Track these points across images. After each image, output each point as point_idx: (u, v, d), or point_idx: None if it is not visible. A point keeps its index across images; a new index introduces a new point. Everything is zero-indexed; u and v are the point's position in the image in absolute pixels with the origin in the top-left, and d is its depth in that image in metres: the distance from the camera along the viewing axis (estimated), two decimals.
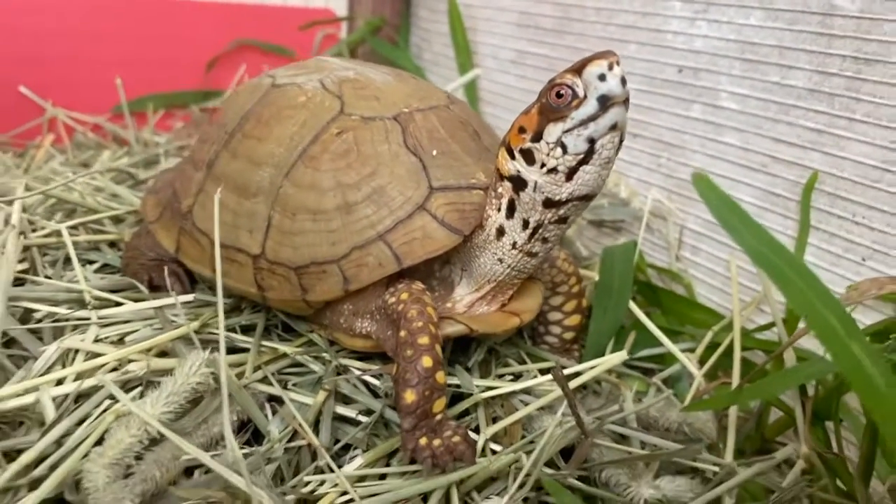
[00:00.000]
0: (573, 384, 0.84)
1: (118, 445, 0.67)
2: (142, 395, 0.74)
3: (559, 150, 0.72)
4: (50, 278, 0.93)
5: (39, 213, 1.10)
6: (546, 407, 0.85)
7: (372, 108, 0.85)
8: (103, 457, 0.66)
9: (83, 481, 0.66)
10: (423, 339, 0.74)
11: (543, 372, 0.92)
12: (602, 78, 0.69)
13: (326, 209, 0.80)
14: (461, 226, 0.80)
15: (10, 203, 0.99)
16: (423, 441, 0.73)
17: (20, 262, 0.94)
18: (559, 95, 0.70)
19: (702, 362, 0.98)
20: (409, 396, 0.73)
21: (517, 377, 0.92)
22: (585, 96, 0.70)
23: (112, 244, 1.07)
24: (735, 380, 0.92)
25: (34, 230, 1.01)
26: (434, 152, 0.83)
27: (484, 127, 0.93)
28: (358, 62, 1.00)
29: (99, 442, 0.69)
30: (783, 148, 1.03)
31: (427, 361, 0.73)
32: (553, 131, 0.72)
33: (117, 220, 1.13)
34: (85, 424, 0.72)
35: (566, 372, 0.83)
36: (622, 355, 0.87)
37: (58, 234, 1.00)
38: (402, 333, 0.75)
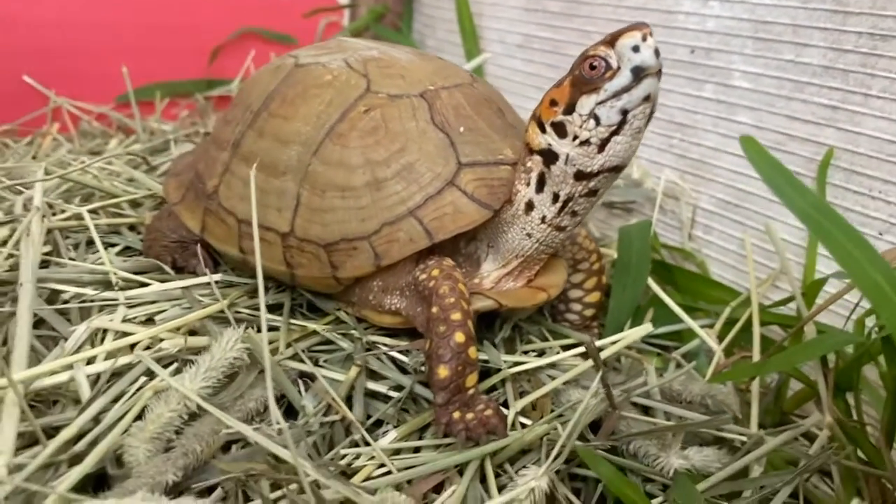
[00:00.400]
0: (605, 354, 0.85)
1: (158, 420, 0.67)
2: (177, 372, 0.74)
3: (592, 121, 0.73)
4: (74, 260, 0.93)
5: (56, 198, 1.10)
6: (571, 381, 0.87)
7: (398, 85, 0.85)
8: (144, 431, 0.66)
9: (124, 456, 0.66)
10: (456, 315, 0.75)
11: (566, 348, 0.93)
12: (636, 49, 0.69)
13: (356, 186, 0.81)
14: (491, 201, 0.80)
15: (29, 187, 0.98)
16: (456, 415, 0.74)
17: (43, 244, 0.94)
18: (592, 67, 0.71)
19: (720, 338, 0.99)
20: (443, 372, 0.74)
21: (541, 353, 0.93)
22: (619, 68, 0.71)
23: (132, 227, 1.07)
24: (755, 354, 0.94)
25: (54, 214, 1.01)
26: (461, 129, 0.83)
27: (507, 105, 0.93)
28: (379, 42, 1.00)
29: (138, 418, 0.70)
30: (798, 125, 1.04)
31: (460, 337, 0.74)
32: (586, 103, 0.73)
33: (135, 203, 1.13)
34: (121, 402, 0.72)
35: (598, 343, 0.84)
36: (647, 327, 0.88)
37: (78, 217, 1.00)
38: (435, 310, 0.76)
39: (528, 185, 0.81)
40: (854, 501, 0.62)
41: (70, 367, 0.74)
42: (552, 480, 0.73)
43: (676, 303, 1.02)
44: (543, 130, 0.78)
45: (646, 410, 0.87)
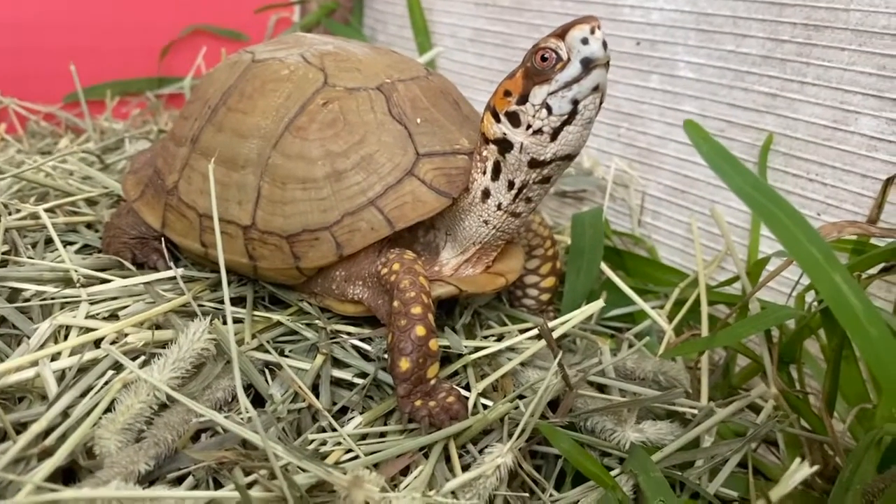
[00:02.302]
0: (556, 334, 0.88)
1: (128, 411, 0.68)
2: (144, 365, 0.75)
3: (544, 111, 0.76)
4: (33, 259, 0.93)
5: (9, 197, 1.09)
6: (527, 363, 0.90)
7: (355, 79, 0.87)
8: (114, 422, 0.67)
9: (95, 447, 0.67)
10: (416, 309, 0.77)
11: (524, 332, 0.96)
12: (585, 41, 0.72)
13: (316, 178, 0.83)
14: (449, 189, 0.83)
15: None
16: (418, 403, 0.77)
17: (0, 244, 0.93)
18: (544, 59, 0.74)
19: (670, 318, 1.03)
20: (404, 364, 0.76)
21: (500, 338, 0.96)
22: (569, 59, 0.73)
23: (89, 225, 1.07)
24: (704, 331, 0.98)
25: (10, 213, 1.01)
26: (418, 120, 0.85)
27: (461, 97, 0.96)
28: (334, 37, 1.02)
29: (107, 410, 0.70)
30: (739, 113, 1.09)
31: (420, 330, 0.76)
32: (538, 93, 0.75)
33: (92, 202, 1.13)
34: (89, 396, 0.72)
35: (550, 324, 0.88)
36: (600, 303, 0.92)
37: (35, 216, 1.00)
38: (396, 304, 0.78)
39: (483, 173, 0.84)
40: (796, 461, 0.66)
41: (35, 363, 0.74)
42: (516, 457, 0.76)
43: (628, 286, 1.06)
44: (498, 120, 0.80)
45: (601, 388, 0.91)
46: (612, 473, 0.79)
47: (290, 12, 1.94)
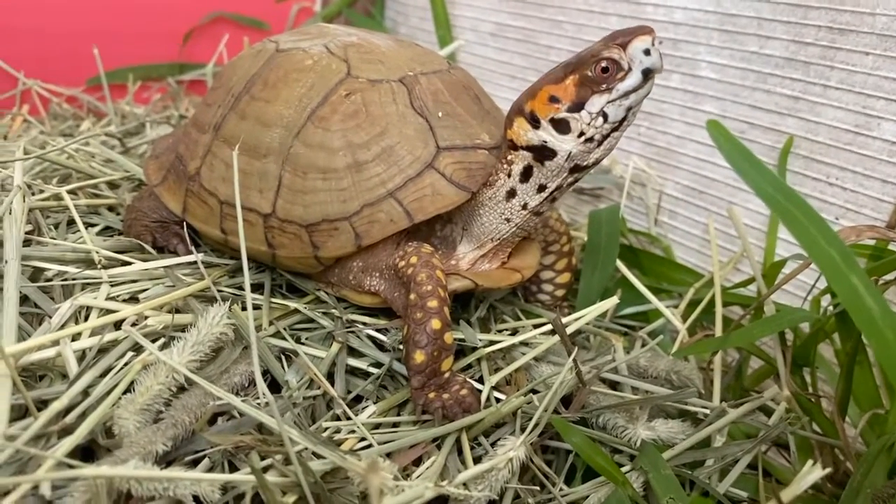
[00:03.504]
0: (570, 329, 0.89)
1: (147, 392, 0.69)
2: (163, 348, 0.76)
3: (600, 119, 0.77)
4: (55, 240, 0.94)
5: (33, 179, 1.10)
6: (541, 359, 0.90)
7: (378, 71, 0.88)
8: (134, 403, 0.68)
9: (114, 427, 0.68)
10: (433, 303, 0.78)
11: (538, 327, 0.96)
12: (647, 53, 0.74)
13: (337, 168, 0.83)
14: (469, 183, 0.83)
15: (6, 167, 0.99)
16: (431, 395, 0.77)
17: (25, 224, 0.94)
18: (605, 70, 0.75)
19: (684, 318, 1.03)
20: (419, 357, 0.77)
21: (514, 332, 0.96)
22: (630, 69, 0.75)
23: (111, 208, 1.08)
24: (718, 331, 0.98)
25: (33, 194, 1.02)
26: (440, 114, 0.86)
27: (482, 92, 0.96)
28: (357, 28, 1.02)
29: (127, 391, 0.71)
30: (760, 115, 1.09)
31: (436, 324, 0.77)
32: (597, 102, 0.77)
33: (113, 185, 1.14)
34: (109, 376, 0.73)
35: (564, 320, 0.88)
36: (614, 300, 0.92)
37: (58, 197, 1.01)
38: (412, 297, 0.79)
39: (509, 175, 0.84)
40: (808, 463, 0.66)
41: (57, 342, 0.75)
42: (528, 451, 0.77)
43: (643, 285, 1.07)
44: (537, 126, 0.80)
45: (614, 385, 0.91)
46: (623, 470, 0.79)
47: (312, 2, 1.94)
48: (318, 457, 0.69)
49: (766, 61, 1.07)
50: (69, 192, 1.02)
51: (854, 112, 0.97)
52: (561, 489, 0.80)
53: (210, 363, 0.77)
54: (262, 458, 0.69)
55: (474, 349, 0.88)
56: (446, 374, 0.79)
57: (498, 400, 0.84)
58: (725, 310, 1.02)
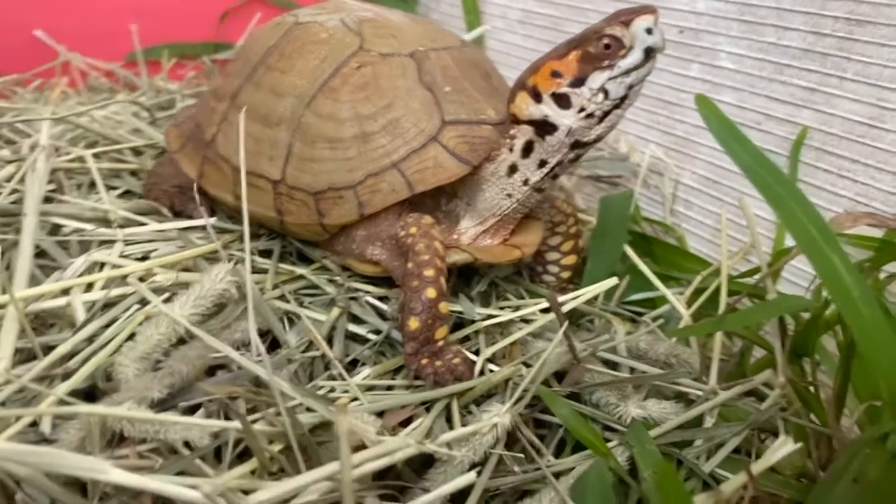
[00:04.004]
0: (567, 308, 0.90)
1: (148, 341, 0.72)
2: (168, 301, 0.79)
3: (601, 95, 0.79)
4: (76, 199, 0.98)
5: (63, 143, 1.14)
6: (538, 335, 0.91)
7: (390, 45, 0.90)
8: (134, 351, 0.71)
9: (114, 373, 0.71)
10: (429, 272, 0.80)
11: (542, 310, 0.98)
12: (649, 31, 0.76)
13: (344, 138, 0.85)
14: (470, 157, 0.85)
15: (37, 130, 1.03)
16: (424, 361, 0.79)
17: (48, 183, 0.98)
18: (607, 46, 0.76)
19: (690, 305, 1.03)
20: (413, 324, 0.79)
21: (515, 310, 0.98)
22: (632, 47, 0.76)
23: (133, 173, 1.12)
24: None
25: (59, 156, 1.06)
26: (447, 89, 0.88)
27: (493, 69, 0.98)
28: (374, 5, 1.04)
29: (129, 341, 0.74)
30: (776, 106, 1.08)
31: (431, 293, 0.79)
32: (598, 78, 0.78)
33: (137, 152, 1.18)
34: (113, 326, 0.77)
35: (561, 299, 0.89)
36: (612, 281, 0.93)
37: (82, 159, 1.05)
38: (410, 265, 0.81)
39: (511, 150, 0.86)
40: (781, 437, 0.66)
41: (68, 292, 0.79)
42: (515, 421, 0.78)
43: (651, 272, 1.07)
44: (539, 100, 0.82)
45: (614, 367, 0.92)
46: (610, 445, 0.80)
47: None
48: (311, 412, 0.71)
49: (783, 52, 1.06)
50: (93, 155, 1.06)
51: (869, 104, 0.96)
52: (549, 461, 0.81)
53: (212, 318, 0.80)
54: (255, 411, 0.72)
55: (472, 322, 0.89)
56: (440, 343, 0.81)
57: (492, 371, 0.85)
58: (735, 300, 1.02)
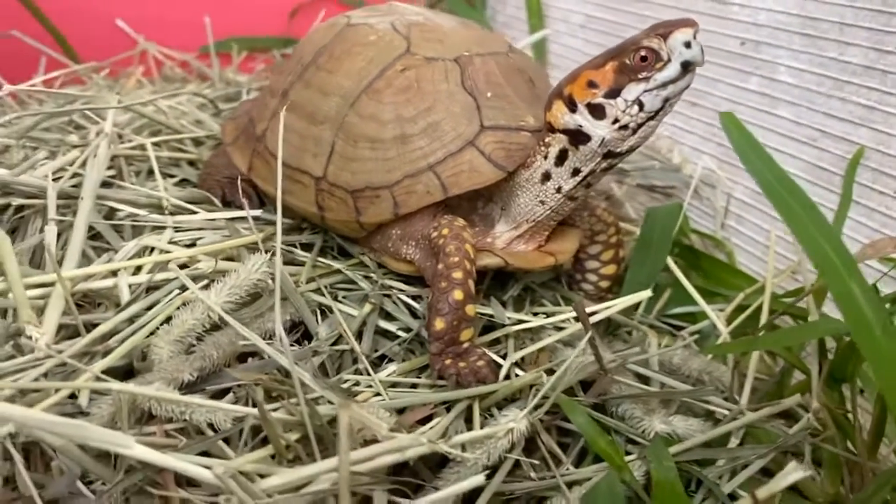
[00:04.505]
0: (594, 319, 0.89)
1: (183, 325, 0.75)
2: (206, 288, 0.83)
3: (636, 107, 0.79)
4: (134, 185, 1.02)
5: (128, 131, 1.20)
6: (570, 343, 0.91)
7: (435, 49, 0.91)
8: (169, 334, 0.75)
9: (150, 354, 0.75)
10: (457, 274, 0.81)
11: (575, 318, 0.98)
12: (688, 45, 0.76)
13: (385, 139, 0.87)
14: (506, 163, 0.86)
15: (105, 117, 1.08)
16: (448, 362, 0.81)
17: (109, 169, 1.03)
18: (644, 58, 0.77)
19: (730, 322, 1.02)
20: (439, 324, 0.80)
21: (548, 317, 0.98)
22: (669, 60, 0.76)
23: (191, 163, 1.17)
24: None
25: (122, 143, 1.11)
26: (489, 94, 0.89)
27: (541, 76, 0.98)
28: (428, 9, 1.06)
29: (166, 323, 0.78)
30: (833, 123, 1.05)
31: (458, 294, 0.80)
32: (634, 90, 0.78)
33: (197, 142, 1.23)
34: (155, 309, 0.80)
35: (590, 309, 0.89)
36: (646, 293, 0.92)
37: (143, 147, 1.10)
38: (440, 266, 0.82)
39: (545, 158, 0.86)
40: (791, 463, 0.64)
41: (115, 274, 0.83)
42: (535, 427, 0.79)
43: (696, 286, 1.06)
44: (574, 110, 0.82)
45: (645, 380, 0.91)
46: (630, 458, 0.80)
47: None
48: (332, 403, 0.73)
49: (843, 68, 1.03)
50: (154, 144, 1.11)
51: None
52: (568, 468, 0.81)
53: (247, 307, 0.83)
54: (278, 399, 0.75)
55: (503, 326, 0.90)
56: (465, 345, 0.82)
57: (518, 377, 0.86)
58: (780, 320, 1.01)
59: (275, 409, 0.71)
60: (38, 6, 1.62)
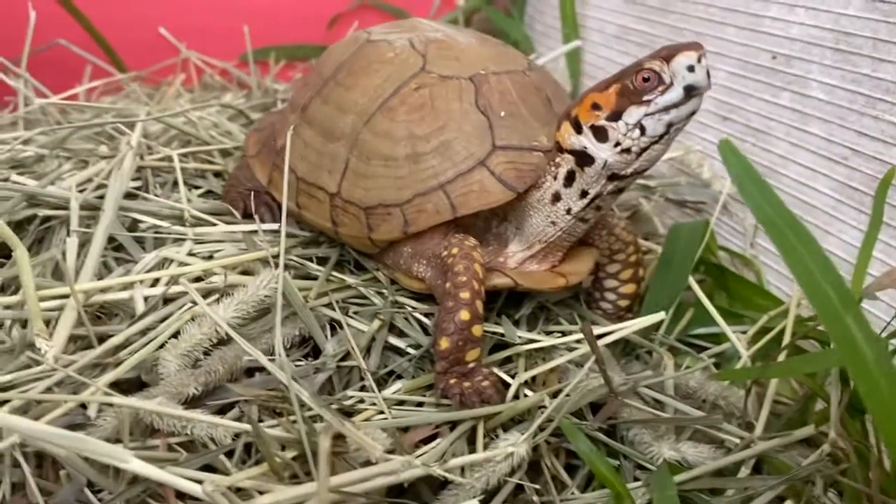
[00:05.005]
0: (605, 341, 0.88)
1: (190, 339, 0.77)
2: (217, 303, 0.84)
3: (637, 131, 0.77)
4: (158, 197, 1.05)
5: (159, 141, 1.23)
6: (581, 364, 0.90)
7: (451, 67, 0.91)
8: (177, 348, 0.77)
9: (159, 367, 0.77)
10: (465, 294, 0.80)
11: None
12: (691, 69, 0.74)
13: (397, 157, 0.88)
14: (516, 183, 0.85)
15: (132, 127, 1.11)
16: (452, 381, 0.80)
17: (135, 180, 1.06)
18: (645, 80, 0.75)
19: (752, 345, 0.99)
20: (444, 343, 0.80)
21: (564, 335, 0.97)
22: (672, 84, 0.74)
23: (217, 174, 1.19)
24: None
25: (151, 154, 1.14)
26: (502, 113, 0.88)
27: (559, 95, 0.97)
28: (450, 26, 1.05)
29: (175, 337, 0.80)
30: (865, 141, 1.02)
31: (465, 315, 0.80)
32: (634, 113, 0.77)
33: (225, 153, 1.25)
34: (166, 322, 0.82)
35: (601, 331, 0.88)
36: (658, 317, 0.91)
37: (170, 159, 1.12)
38: (448, 285, 0.82)
39: (555, 178, 0.86)
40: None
41: (130, 286, 0.85)
42: (540, 450, 0.78)
43: (722, 307, 1.04)
44: (579, 131, 0.82)
45: (658, 404, 0.90)
46: (635, 485, 0.79)
47: None
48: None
49: (876, 85, 1.00)
50: (182, 155, 1.13)
51: None
52: (572, 493, 0.80)
53: (255, 321, 0.84)
54: (281, 415, 0.76)
55: (514, 345, 0.90)
56: (471, 365, 0.81)
57: (527, 397, 0.85)
58: (806, 343, 0.98)
59: (274, 426, 0.72)
60: (85, 15, 1.67)
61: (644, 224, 1.32)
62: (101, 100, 1.62)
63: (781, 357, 0.94)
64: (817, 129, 1.09)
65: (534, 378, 0.88)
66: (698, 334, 1.07)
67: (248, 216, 1.07)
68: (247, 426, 0.68)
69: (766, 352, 1.00)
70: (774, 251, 1.19)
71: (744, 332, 1.03)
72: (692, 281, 1.05)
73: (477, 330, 0.81)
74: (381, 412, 0.80)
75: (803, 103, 1.12)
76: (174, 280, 0.87)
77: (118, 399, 0.67)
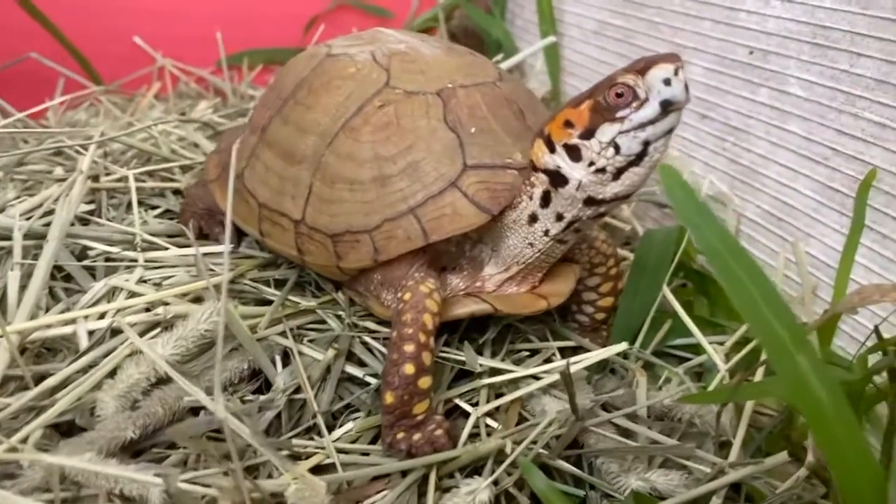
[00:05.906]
0: (575, 368, 0.84)
1: (127, 380, 0.73)
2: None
3: (611, 150, 0.72)
4: (112, 220, 1.01)
5: (121, 159, 1.19)
6: (545, 391, 0.86)
7: (416, 81, 0.86)
8: (114, 388, 0.73)
9: (97, 409, 0.73)
10: (409, 347, 0.75)
11: (562, 350, 0.93)
12: (667, 83, 0.68)
13: (363, 180, 0.82)
14: (490, 205, 0.80)
15: (86, 148, 1.08)
16: (399, 436, 0.76)
17: (89, 203, 1.02)
18: (619, 95, 0.70)
19: (729, 357, 0.95)
20: (389, 398, 0.75)
21: (533, 353, 0.93)
22: (647, 99, 0.69)
23: (177, 192, 1.15)
24: (758, 376, 0.90)
25: (108, 174, 1.10)
26: (472, 129, 0.83)
27: (532, 106, 0.91)
28: (414, 35, 1.00)
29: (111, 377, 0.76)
30: (845, 140, 0.97)
31: (409, 369, 0.75)
32: (608, 131, 0.72)
33: (188, 168, 1.21)
34: (107, 359, 0.78)
35: (574, 359, 0.84)
36: (623, 346, 0.87)
37: (126, 179, 1.09)
38: (394, 334, 0.77)
39: (531, 198, 0.81)
40: None
41: (74, 321, 0.81)
42: (506, 494, 0.74)
43: (702, 316, 1.01)
44: (553, 150, 0.77)
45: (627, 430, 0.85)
46: None
47: None
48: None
49: (856, 81, 0.95)
50: (141, 174, 1.09)
51: None
52: None
53: (197, 357, 0.80)
54: (228, 458, 0.72)
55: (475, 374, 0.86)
56: (419, 417, 0.77)
57: (489, 427, 0.81)
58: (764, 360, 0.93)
59: (213, 474, 0.68)
60: (56, 26, 1.62)
61: (624, 228, 1.28)
62: (75, 112, 1.59)
63: (761, 371, 0.90)
64: (797, 128, 1.05)
65: (497, 407, 0.84)
66: (678, 345, 1.03)
67: (203, 237, 1.03)
68: (159, 481, 0.63)
69: (748, 363, 0.96)
70: (757, 254, 1.15)
71: (721, 344, 0.98)
72: (667, 291, 1.00)
73: (423, 383, 0.76)
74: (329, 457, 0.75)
75: (782, 100, 1.07)
76: (119, 312, 0.84)
77: (28, 455, 0.64)
